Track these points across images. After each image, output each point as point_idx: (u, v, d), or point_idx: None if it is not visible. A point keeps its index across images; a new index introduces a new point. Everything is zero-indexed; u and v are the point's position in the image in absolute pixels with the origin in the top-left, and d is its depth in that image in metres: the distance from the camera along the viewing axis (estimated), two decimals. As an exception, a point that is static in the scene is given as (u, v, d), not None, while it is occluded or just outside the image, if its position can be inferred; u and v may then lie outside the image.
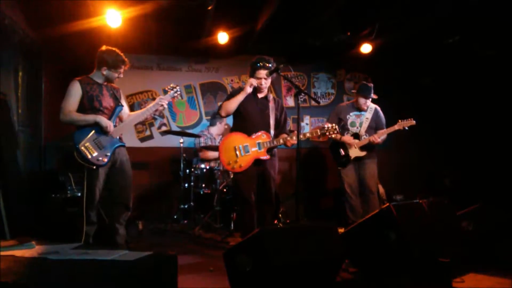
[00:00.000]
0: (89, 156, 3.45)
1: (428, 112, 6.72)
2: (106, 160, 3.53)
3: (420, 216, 3.22)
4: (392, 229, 2.98)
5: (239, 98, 3.85)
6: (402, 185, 6.55)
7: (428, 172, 6.94)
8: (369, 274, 3.24)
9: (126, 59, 3.71)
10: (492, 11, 4.87)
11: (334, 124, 3.88)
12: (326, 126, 3.85)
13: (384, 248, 3.03)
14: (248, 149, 3.83)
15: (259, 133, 3.88)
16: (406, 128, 4.78)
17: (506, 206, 3.93)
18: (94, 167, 3.50)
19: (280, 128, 4.11)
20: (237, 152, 3.81)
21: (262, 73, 3.85)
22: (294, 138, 3.79)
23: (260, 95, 4.00)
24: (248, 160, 3.81)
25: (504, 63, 5.90)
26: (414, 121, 4.76)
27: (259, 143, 3.84)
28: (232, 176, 3.87)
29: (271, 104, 4.00)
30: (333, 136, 3.92)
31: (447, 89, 6.86)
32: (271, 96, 4.06)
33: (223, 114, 3.98)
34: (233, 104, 3.87)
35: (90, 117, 3.54)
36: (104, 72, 3.66)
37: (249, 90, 3.84)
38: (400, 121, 4.82)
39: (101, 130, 3.54)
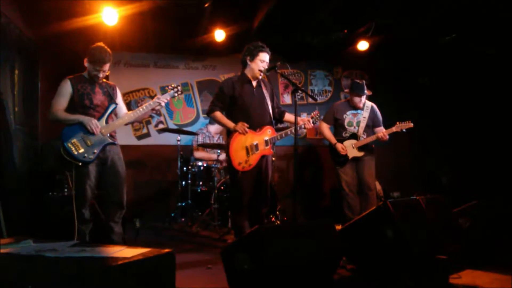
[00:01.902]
0: (75, 153, 3.43)
1: (425, 109, 6.73)
2: (93, 157, 3.51)
3: (417, 213, 3.23)
4: (389, 226, 2.99)
5: (227, 125, 3.79)
6: (399, 182, 6.56)
7: (425, 170, 6.96)
8: (366, 271, 3.25)
9: (102, 60, 3.57)
10: (490, 8, 4.88)
11: (316, 112, 3.99)
12: (312, 115, 3.97)
13: (381, 245, 3.04)
14: (258, 147, 3.74)
15: (265, 129, 3.80)
16: (404, 130, 4.79)
17: (502, 203, 3.94)
18: (80, 164, 3.48)
19: (275, 114, 4.04)
20: (249, 151, 3.71)
21: (265, 56, 3.77)
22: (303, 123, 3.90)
23: (255, 84, 3.87)
24: (256, 158, 3.74)
25: (502, 61, 5.91)
26: (412, 124, 4.76)
27: (266, 140, 3.77)
28: (238, 175, 3.77)
29: (265, 91, 3.90)
30: (317, 122, 4.02)
31: (445, 87, 6.88)
32: (261, 81, 3.93)
33: (209, 117, 3.98)
34: (221, 124, 3.92)
35: (74, 117, 3.52)
36: (86, 64, 3.64)
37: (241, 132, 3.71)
38: (398, 123, 4.81)
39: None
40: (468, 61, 6.28)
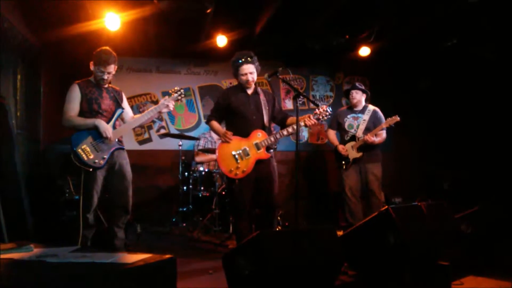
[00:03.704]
0: (86, 159, 3.44)
1: (427, 114, 6.72)
2: (103, 162, 3.52)
3: (419, 219, 3.21)
4: (391, 231, 2.98)
5: (219, 134, 3.89)
6: (401, 188, 6.55)
7: (426, 175, 6.94)
8: (368, 277, 3.23)
9: (107, 61, 3.57)
10: (491, 13, 4.89)
11: (324, 106, 3.76)
12: (317, 111, 3.74)
13: (383, 251, 3.03)
14: (247, 152, 3.72)
15: (254, 133, 3.77)
16: (392, 125, 4.80)
17: (504, 209, 3.93)
18: (91, 170, 3.49)
19: (278, 119, 4.01)
20: (237, 158, 3.70)
21: (245, 68, 3.75)
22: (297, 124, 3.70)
23: (250, 91, 3.88)
24: (249, 163, 3.71)
25: (502, 65, 5.91)
26: (399, 118, 4.79)
27: (256, 144, 3.73)
28: (231, 183, 3.77)
29: (262, 97, 3.89)
30: (321, 117, 3.75)
31: (446, 92, 6.87)
32: (259, 89, 3.94)
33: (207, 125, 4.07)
34: (215, 133, 3.98)
35: (90, 121, 3.53)
36: (92, 68, 3.65)
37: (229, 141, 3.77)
38: (387, 119, 4.87)
39: (99, 133, 3.54)
40: (469, 66, 6.28)
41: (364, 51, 6.10)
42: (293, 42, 6.10)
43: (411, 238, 2.96)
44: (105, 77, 3.65)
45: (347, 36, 5.92)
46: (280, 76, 3.76)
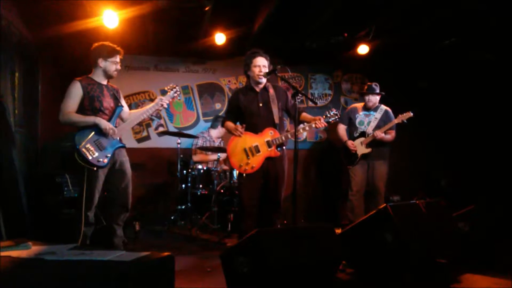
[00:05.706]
0: (90, 157, 3.43)
1: (425, 113, 6.71)
2: (106, 161, 3.52)
3: (417, 217, 3.23)
4: (389, 229, 2.99)
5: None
6: (399, 186, 6.55)
7: (424, 173, 6.95)
8: (366, 275, 3.24)
9: (117, 49, 3.68)
10: (491, 14, 4.89)
11: (334, 109, 3.85)
12: (328, 114, 3.81)
13: (381, 249, 3.04)
14: (258, 149, 3.76)
15: (266, 130, 3.80)
16: (405, 121, 4.87)
17: (502, 207, 3.94)
18: (95, 168, 3.48)
19: (292, 115, 3.96)
20: (248, 154, 3.76)
21: (259, 60, 3.80)
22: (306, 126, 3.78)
23: (258, 89, 3.90)
24: (259, 160, 3.76)
25: (500, 66, 5.91)
26: (412, 113, 4.85)
27: (268, 141, 3.77)
28: (237, 178, 3.82)
29: (271, 93, 3.89)
30: (332, 120, 3.83)
31: (444, 91, 6.88)
32: (269, 85, 3.94)
33: (222, 127, 4.16)
34: (230, 132, 3.97)
35: (90, 119, 3.52)
36: (102, 64, 3.63)
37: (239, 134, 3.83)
38: (400, 115, 4.92)
39: (101, 131, 3.53)
40: (468, 66, 6.28)
41: (363, 49, 6.09)
42: (291, 40, 6.09)
43: (409, 236, 2.97)
44: (119, 66, 3.70)
45: (346, 34, 5.92)
46: (278, 74, 3.78)
